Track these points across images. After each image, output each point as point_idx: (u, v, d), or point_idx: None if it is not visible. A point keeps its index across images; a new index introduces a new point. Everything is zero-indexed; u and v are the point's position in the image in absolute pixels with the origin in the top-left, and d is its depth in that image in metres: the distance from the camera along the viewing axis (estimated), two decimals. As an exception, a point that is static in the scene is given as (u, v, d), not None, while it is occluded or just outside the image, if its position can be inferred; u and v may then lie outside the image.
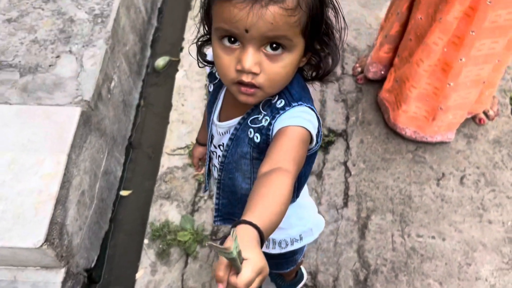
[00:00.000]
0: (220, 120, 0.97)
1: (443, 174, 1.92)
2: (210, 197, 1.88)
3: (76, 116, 1.65)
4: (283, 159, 0.77)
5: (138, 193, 2.10)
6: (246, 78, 0.77)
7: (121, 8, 2.11)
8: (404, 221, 1.81)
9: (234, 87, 0.81)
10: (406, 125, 1.95)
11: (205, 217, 1.86)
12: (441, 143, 1.99)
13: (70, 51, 1.89)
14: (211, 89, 1.02)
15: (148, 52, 2.51)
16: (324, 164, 1.99)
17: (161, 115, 2.31)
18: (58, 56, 1.87)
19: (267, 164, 0.77)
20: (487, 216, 1.81)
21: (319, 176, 1.95)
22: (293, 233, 1.17)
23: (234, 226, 0.63)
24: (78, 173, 1.67)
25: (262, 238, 0.63)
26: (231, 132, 0.93)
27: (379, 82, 2.14)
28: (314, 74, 0.91)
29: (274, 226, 0.69)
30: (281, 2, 0.72)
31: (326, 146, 2.03)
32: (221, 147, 0.99)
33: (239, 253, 0.56)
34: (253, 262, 0.59)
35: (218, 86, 1.00)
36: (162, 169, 2.02)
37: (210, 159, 1.09)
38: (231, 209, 1.05)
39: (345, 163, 1.98)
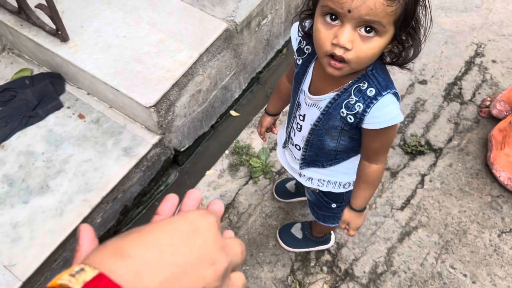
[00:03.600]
0: (310, 92, 1.14)
1: (510, 230, 1.87)
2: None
3: (220, 29, 1.99)
4: (381, 155, 1.12)
5: (243, 118, 2.42)
6: (338, 52, 0.89)
7: (302, -37, 2.36)
8: (446, 248, 1.84)
9: (325, 59, 0.95)
10: (503, 168, 1.92)
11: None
12: (528, 203, 1.92)
13: (244, -19, 2.22)
14: (299, 62, 1.16)
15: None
16: (404, 167, 2.07)
17: (293, 66, 2.57)
18: (233, -19, 2.22)
19: (369, 158, 1.14)
20: (531, 287, 1.75)
21: (394, 174, 2.04)
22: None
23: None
24: (203, 74, 2.03)
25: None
26: (321, 107, 1.10)
27: (499, 121, 2.10)
28: (394, 60, 1.03)
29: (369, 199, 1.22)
30: None
31: (415, 154, 2.09)
32: (301, 117, 1.18)
33: None
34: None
35: (307, 60, 1.14)
36: (268, 106, 2.29)
37: (291, 123, 1.26)
38: (316, 158, 1.25)
39: (423, 176, 2.03)
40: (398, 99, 1.04)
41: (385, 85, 1.00)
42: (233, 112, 2.47)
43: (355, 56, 0.90)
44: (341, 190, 1.34)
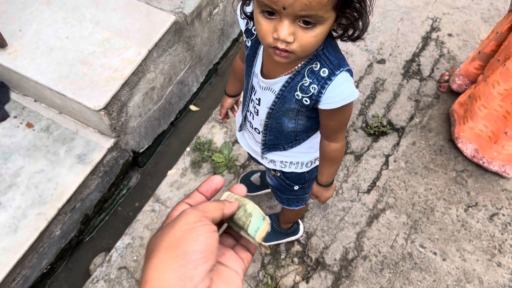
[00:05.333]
0: (262, 76, 1.10)
1: (476, 204, 1.88)
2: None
3: (169, 22, 1.90)
4: (339, 133, 1.12)
5: (204, 112, 2.35)
6: (280, 45, 0.87)
7: None
8: (415, 227, 1.83)
9: (270, 49, 0.92)
10: (469, 140, 1.92)
11: (242, 151, 2.05)
12: (492, 175, 1.93)
13: (190, -30, 2.13)
14: (248, 44, 1.12)
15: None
16: (368, 149, 2.04)
17: (251, 55, 2.51)
18: (179, -30, 2.13)
19: (328, 137, 1.14)
20: (499, 258, 1.76)
21: (358, 158, 2.02)
22: (317, 155, 1.31)
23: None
24: (155, 70, 1.95)
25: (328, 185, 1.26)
26: (275, 91, 1.07)
27: (459, 95, 2.10)
28: (346, 34, 0.97)
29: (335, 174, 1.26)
30: None
31: (378, 135, 2.07)
32: (257, 100, 1.14)
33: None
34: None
35: (256, 41, 1.09)
36: (226, 98, 2.23)
37: (247, 105, 1.22)
38: (277, 141, 1.23)
39: (387, 156, 2.02)
40: (351, 75, 1.02)
41: (337, 64, 0.98)
42: (192, 107, 2.40)
43: (299, 46, 0.88)
44: (304, 169, 1.32)
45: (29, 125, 1.90)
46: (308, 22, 0.84)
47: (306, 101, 1.02)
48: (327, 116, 1.07)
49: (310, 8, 0.80)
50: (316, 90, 0.99)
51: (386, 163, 2.00)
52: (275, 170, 1.35)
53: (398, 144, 2.05)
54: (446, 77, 2.19)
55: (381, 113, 2.14)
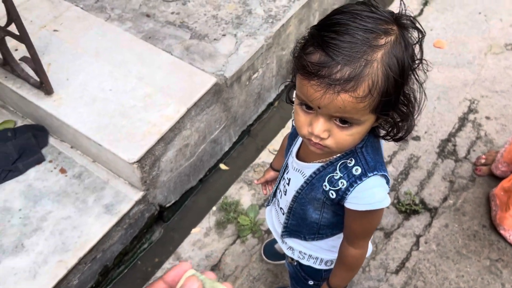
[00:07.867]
0: (298, 157, 1.10)
1: (512, 298, 1.77)
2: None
3: (210, 84, 1.95)
4: (361, 239, 1.07)
5: (233, 172, 2.35)
6: (314, 139, 0.86)
7: (294, 18, 2.37)
8: (444, 317, 1.73)
9: (305, 140, 0.91)
10: None
11: (269, 216, 2.02)
12: (529, 268, 1.83)
13: (235, 35, 2.21)
14: (294, 123, 1.16)
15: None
16: (398, 227, 1.98)
17: (285, 119, 2.54)
18: (224, 35, 2.21)
19: (348, 239, 1.08)
20: None
21: (388, 235, 1.96)
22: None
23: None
24: (191, 128, 1.98)
25: None
26: (305, 175, 1.05)
27: (496, 180, 2.04)
28: (390, 133, 0.94)
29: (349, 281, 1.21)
30: (352, 91, 0.75)
31: (409, 213, 2.02)
32: (288, 180, 1.13)
33: None
34: None
35: None
36: (257, 160, 2.24)
37: (279, 182, 1.22)
38: (298, 228, 1.19)
39: (418, 237, 1.95)
40: (387, 182, 0.97)
41: (372, 166, 0.94)
42: (222, 166, 2.40)
43: (334, 142, 0.86)
44: (322, 267, 1.27)
45: (62, 171, 1.93)
46: (344, 121, 0.83)
47: (332, 194, 0.98)
48: (352, 217, 1.02)
49: (344, 111, 0.79)
50: (344, 186, 0.95)
51: (416, 243, 1.93)
52: (292, 258, 1.30)
53: (430, 224, 1.99)
54: (483, 161, 2.15)
55: (413, 190, 2.09)
